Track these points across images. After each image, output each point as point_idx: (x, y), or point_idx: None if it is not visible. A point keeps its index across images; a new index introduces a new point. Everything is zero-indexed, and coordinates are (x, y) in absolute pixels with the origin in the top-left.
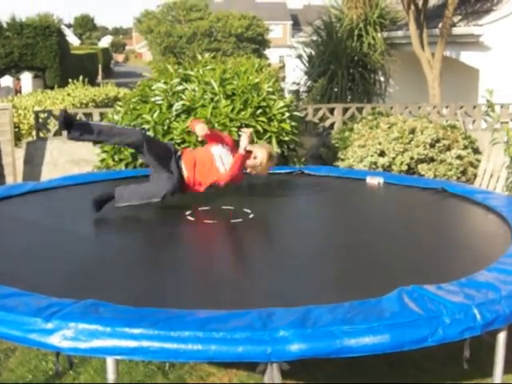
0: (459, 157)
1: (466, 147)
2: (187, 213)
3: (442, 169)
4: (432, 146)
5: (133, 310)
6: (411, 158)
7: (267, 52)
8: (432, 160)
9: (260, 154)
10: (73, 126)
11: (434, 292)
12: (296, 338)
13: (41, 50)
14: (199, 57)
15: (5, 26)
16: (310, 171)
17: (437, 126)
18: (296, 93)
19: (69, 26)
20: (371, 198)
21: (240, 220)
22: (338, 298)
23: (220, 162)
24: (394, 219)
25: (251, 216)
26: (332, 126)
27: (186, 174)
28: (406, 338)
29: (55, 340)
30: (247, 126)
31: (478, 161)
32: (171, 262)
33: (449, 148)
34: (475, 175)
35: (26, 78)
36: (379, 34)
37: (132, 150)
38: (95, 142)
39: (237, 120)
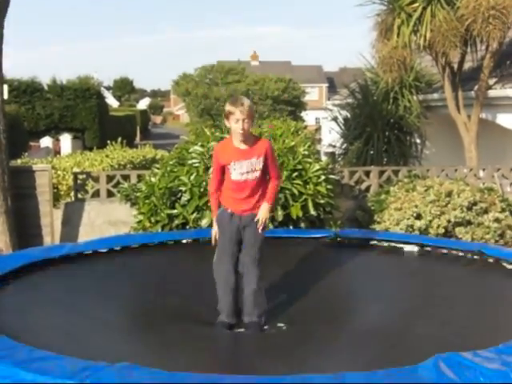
0: (497, 220)
1: (503, 210)
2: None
3: (480, 232)
4: (469, 208)
5: (166, 373)
6: (448, 221)
7: (303, 114)
8: (469, 223)
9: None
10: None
11: (471, 359)
12: None
13: (80, 112)
14: None
15: (46, 88)
16: (346, 235)
17: (474, 189)
18: (332, 155)
19: (108, 88)
20: (408, 263)
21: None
22: (373, 365)
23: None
24: (431, 284)
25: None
26: (368, 188)
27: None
28: None
29: None
30: (283, 188)
31: None
32: (202, 334)
33: (486, 211)
34: None
35: (66, 139)
36: (415, 97)
37: (169, 212)
38: None
39: None
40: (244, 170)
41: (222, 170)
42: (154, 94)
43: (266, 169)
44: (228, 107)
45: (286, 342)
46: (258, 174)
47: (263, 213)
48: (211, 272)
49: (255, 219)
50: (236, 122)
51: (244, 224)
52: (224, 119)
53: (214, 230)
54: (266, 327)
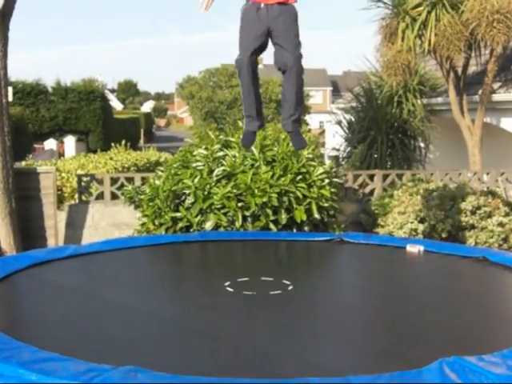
0: (500, 224)
1: (507, 214)
2: (226, 284)
3: (484, 236)
4: (473, 213)
5: (171, 377)
6: (452, 225)
7: (307, 118)
8: (473, 227)
9: None
10: None
11: (476, 363)
12: None
13: (85, 114)
14: (240, 123)
15: (50, 90)
16: (350, 238)
17: (478, 193)
18: (336, 159)
19: (112, 90)
20: (411, 266)
21: (279, 291)
22: (377, 368)
23: None
24: (434, 289)
25: (290, 288)
26: (372, 192)
27: None
28: None
29: None
30: (287, 192)
31: None
32: (210, 332)
33: (490, 215)
34: None
35: (70, 141)
36: (419, 101)
37: (172, 215)
38: None
39: (277, 186)
40: None
41: None
42: (158, 96)
43: None
44: None
45: (294, 339)
46: None
47: None
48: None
49: (288, 12)
50: None
51: (272, 16)
52: None
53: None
54: None
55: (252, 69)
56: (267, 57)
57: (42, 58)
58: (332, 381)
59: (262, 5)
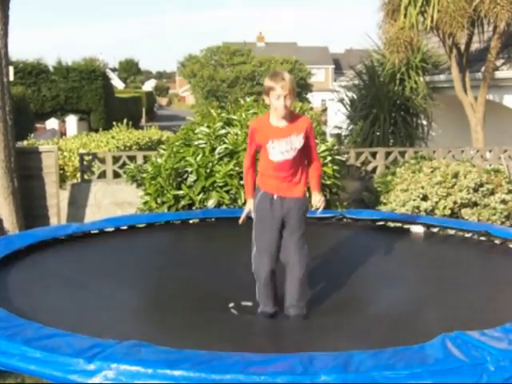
0: (503, 201)
1: (510, 191)
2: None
3: (486, 213)
4: (475, 190)
5: (174, 351)
6: (454, 203)
7: (309, 96)
8: (475, 204)
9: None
10: None
11: (478, 338)
12: (338, 382)
13: (86, 94)
14: (241, 101)
15: (51, 69)
16: (352, 215)
17: (480, 171)
18: (338, 136)
19: (114, 69)
20: (414, 243)
21: None
22: (380, 344)
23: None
24: (438, 265)
25: None
26: (374, 170)
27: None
28: None
29: (96, 381)
30: None
31: None
32: (211, 307)
33: (492, 192)
34: None
35: (72, 120)
36: (421, 78)
37: (175, 193)
38: None
39: None
40: (283, 148)
41: (257, 148)
42: (160, 75)
43: (306, 149)
44: (268, 83)
45: (295, 324)
46: (296, 152)
47: (319, 200)
48: (216, 250)
49: (300, 204)
50: (277, 98)
51: (287, 209)
52: (264, 95)
53: (247, 210)
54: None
55: (273, 272)
56: (269, 34)
57: (43, 37)
58: (336, 356)
59: (275, 196)
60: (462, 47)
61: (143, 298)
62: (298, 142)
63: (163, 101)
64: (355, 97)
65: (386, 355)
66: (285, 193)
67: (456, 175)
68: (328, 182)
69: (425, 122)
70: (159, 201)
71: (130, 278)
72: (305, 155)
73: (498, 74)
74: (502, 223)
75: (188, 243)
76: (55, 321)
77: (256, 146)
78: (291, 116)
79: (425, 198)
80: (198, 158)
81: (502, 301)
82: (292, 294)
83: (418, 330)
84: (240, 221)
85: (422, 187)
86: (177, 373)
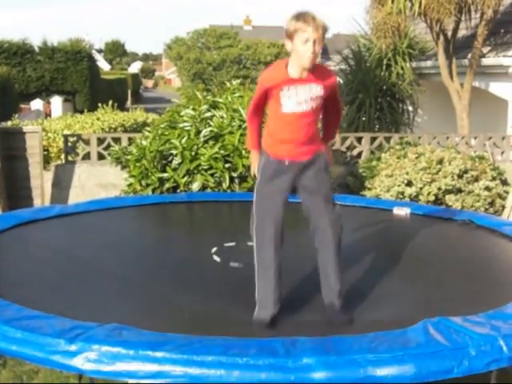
0: (487, 188)
1: (494, 178)
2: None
3: (470, 200)
4: (460, 176)
5: (156, 334)
6: (439, 189)
7: None
8: (460, 191)
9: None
10: None
11: (460, 323)
12: (319, 365)
13: (71, 75)
14: (228, 84)
15: (36, 50)
16: (336, 200)
17: (465, 157)
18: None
19: (99, 51)
20: (397, 229)
21: None
22: (363, 328)
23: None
24: (421, 251)
25: None
26: (359, 155)
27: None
28: (430, 368)
29: (78, 362)
30: None
31: (507, 192)
32: (192, 290)
33: (477, 179)
34: (503, 207)
35: (57, 101)
36: (408, 64)
37: (159, 175)
38: None
39: None
40: (301, 97)
41: (264, 99)
42: (146, 57)
43: (331, 100)
44: (294, 24)
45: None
46: (317, 103)
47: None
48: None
49: (322, 163)
50: (305, 42)
51: (303, 175)
52: (285, 39)
53: (255, 166)
54: None
55: (280, 239)
56: (256, 18)
57: (28, 17)
58: (317, 341)
59: (287, 161)
60: (449, 34)
61: (123, 282)
62: (319, 90)
63: (149, 83)
64: (341, 81)
65: (367, 339)
66: (301, 153)
67: (441, 161)
68: None
69: (410, 108)
70: (144, 183)
71: (111, 261)
72: (330, 106)
73: (485, 61)
74: (486, 210)
75: (173, 226)
76: (36, 303)
77: (265, 90)
78: (314, 68)
79: (409, 184)
80: (183, 141)
81: (487, 286)
82: (331, 276)
83: (400, 313)
84: (252, 174)
85: (407, 173)
86: (159, 354)
